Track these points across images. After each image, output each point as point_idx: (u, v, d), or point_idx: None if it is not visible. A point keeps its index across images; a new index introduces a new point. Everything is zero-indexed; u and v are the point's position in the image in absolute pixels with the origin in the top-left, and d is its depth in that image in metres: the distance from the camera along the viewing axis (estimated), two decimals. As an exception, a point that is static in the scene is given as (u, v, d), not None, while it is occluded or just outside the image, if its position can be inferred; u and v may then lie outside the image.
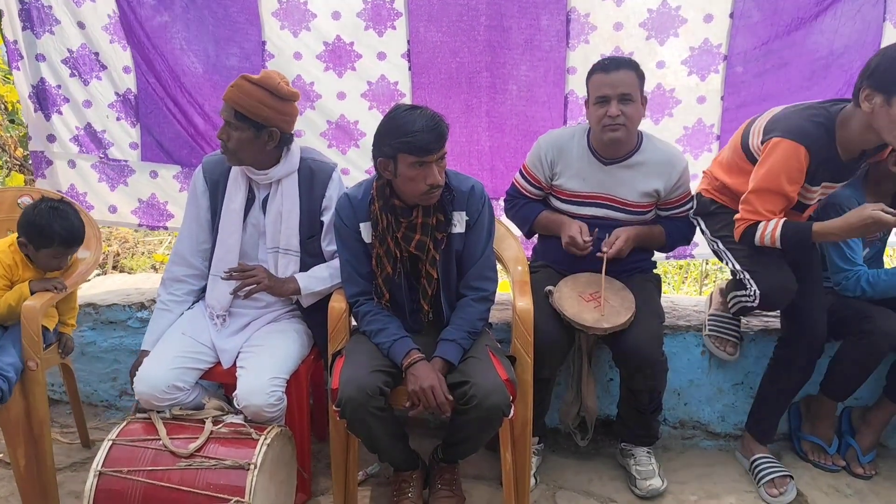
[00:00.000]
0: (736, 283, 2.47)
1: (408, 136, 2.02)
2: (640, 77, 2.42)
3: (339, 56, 2.97)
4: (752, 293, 2.37)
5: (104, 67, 3.14)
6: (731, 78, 2.88)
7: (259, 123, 2.21)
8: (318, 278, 2.36)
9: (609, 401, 2.78)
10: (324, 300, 2.38)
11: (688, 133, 2.99)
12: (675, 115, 2.95)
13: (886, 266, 2.72)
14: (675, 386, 2.76)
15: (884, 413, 2.59)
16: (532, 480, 2.49)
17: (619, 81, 2.35)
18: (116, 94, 3.16)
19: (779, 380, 2.55)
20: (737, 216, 2.38)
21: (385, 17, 2.91)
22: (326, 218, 2.38)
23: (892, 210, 2.14)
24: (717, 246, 2.55)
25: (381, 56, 2.96)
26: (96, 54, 3.12)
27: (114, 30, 3.08)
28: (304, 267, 2.39)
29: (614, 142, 2.42)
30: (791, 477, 2.50)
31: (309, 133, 3.08)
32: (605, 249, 2.46)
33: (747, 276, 2.39)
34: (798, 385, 2.55)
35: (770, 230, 2.28)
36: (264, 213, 2.35)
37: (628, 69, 2.38)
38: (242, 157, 2.28)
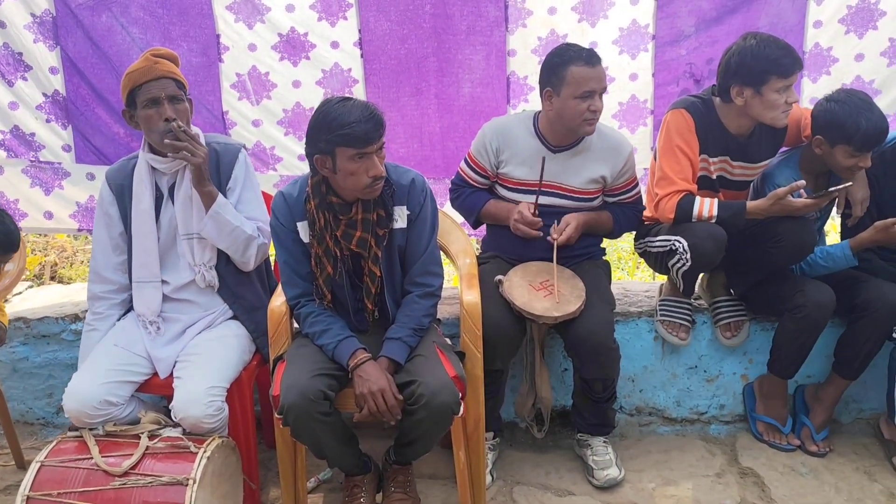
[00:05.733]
0: (669, 255, 2.47)
1: (345, 128, 1.93)
2: None
3: (293, 46, 3.07)
4: (683, 249, 2.38)
5: (29, 68, 3.03)
6: (661, 56, 3.03)
7: (186, 91, 2.23)
8: (234, 213, 2.23)
9: (564, 391, 2.74)
10: (261, 301, 2.29)
11: (623, 108, 3.11)
12: (610, 91, 3.04)
13: (828, 240, 2.76)
14: (629, 373, 2.74)
15: (835, 389, 2.60)
16: (489, 477, 2.45)
17: (602, 75, 2.35)
18: (45, 95, 3.06)
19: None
20: (658, 196, 2.44)
21: (336, 9, 3.04)
22: (232, 198, 2.29)
23: (802, 195, 2.33)
24: (644, 247, 2.62)
25: (335, 45, 3.07)
26: (20, 54, 3.00)
27: (38, 29, 2.99)
28: (220, 254, 2.30)
29: (589, 134, 2.42)
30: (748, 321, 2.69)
31: (266, 122, 3.13)
32: (554, 236, 2.42)
33: (673, 238, 2.41)
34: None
35: (707, 206, 2.39)
36: (173, 204, 2.27)
37: (601, 62, 2.37)
38: (189, 132, 2.20)
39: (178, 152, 2.13)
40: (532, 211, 2.42)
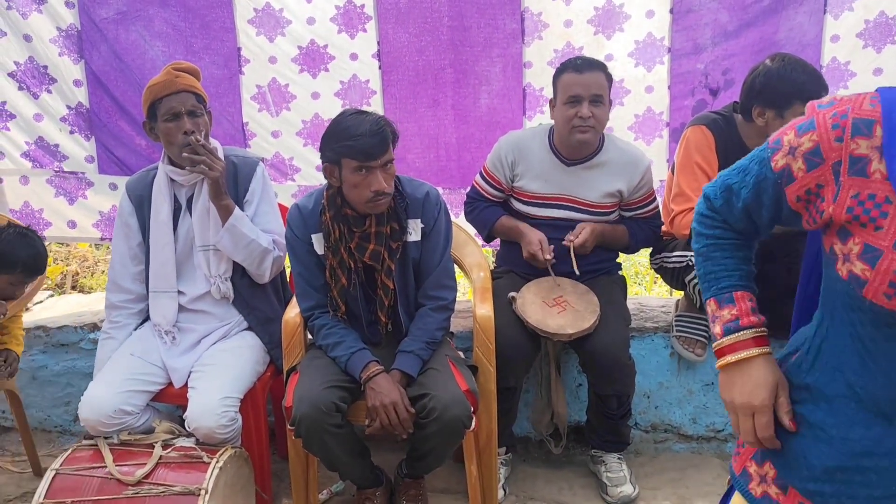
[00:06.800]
0: (685, 270, 2.45)
1: (351, 139, 1.95)
2: (609, 80, 2.40)
3: (313, 58, 3.13)
4: None
5: (54, 81, 3.10)
6: (677, 68, 3.04)
7: (206, 104, 2.26)
8: (250, 226, 2.25)
9: (579, 407, 2.72)
10: (275, 312, 2.31)
11: (639, 120, 3.13)
12: (626, 103, 3.11)
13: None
14: (644, 389, 2.71)
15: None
16: (501, 492, 2.43)
17: (591, 82, 2.32)
18: (68, 107, 3.13)
19: None
20: (674, 212, 2.44)
21: (356, 21, 3.09)
22: (249, 211, 2.31)
23: None
24: (660, 262, 2.62)
25: (353, 57, 3.11)
26: (45, 67, 3.08)
27: (63, 43, 3.06)
28: (236, 265, 2.32)
29: (582, 143, 2.39)
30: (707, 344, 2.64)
31: (285, 133, 3.17)
32: (571, 238, 2.41)
33: (690, 254, 2.40)
34: None
35: None
36: (191, 216, 2.29)
37: (599, 70, 2.36)
38: (208, 146, 2.23)
39: (196, 166, 2.15)
40: (545, 256, 2.40)
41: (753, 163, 1.14)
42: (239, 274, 2.33)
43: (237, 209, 2.24)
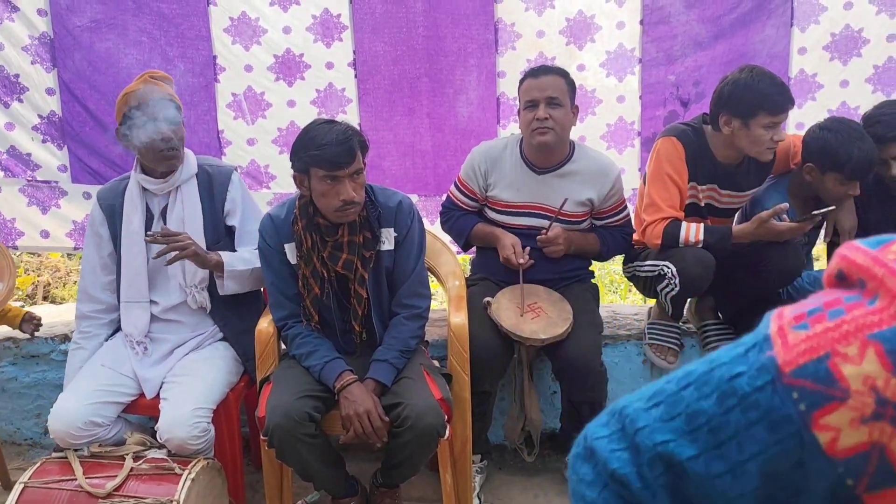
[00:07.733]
0: (657, 279, 2.48)
1: (317, 149, 1.97)
2: (570, 85, 2.43)
3: (289, 67, 3.15)
4: (671, 274, 2.39)
5: (25, 89, 3.07)
6: (647, 79, 3.10)
7: (181, 112, 2.26)
8: (241, 258, 2.27)
9: (554, 414, 2.74)
10: (251, 323, 2.30)
11: (610, 130, 3.18)
12: (598, 113, 3.17)
13: (817, 265, 2.77)
14: (617, 396, 2.63)
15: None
16: (476, 500, 2.44)
17: (546, 85, 2.37)
18: (40, 116, 3.11)
19: None
20: (645, 222, 2.46)
21: (332, 30, 3.11)
22: (235, 221, 2.32)
23: (786, 219, 2.33)
24: (633, 271, 2.65)
25: (329, 66, 3.13)
26: (16, 76, 3.04)
27: (36, 51, 3.04)
28: (211, 275, 2.31)
29: (543, 146, 2.41)
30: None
31: (261, 140, 3.18)
32: (544, 233, 2.45)
33: (661, 263, 2.43)
34: None
35: (694, 231, 2.41)
36: (165, 224, 2.29)
37: (557, 75, 2.41)
38: (182, 153, 2.25)
39: (170, 259, 2.13)
40: (519, 261, 2.43)
41: (739, 415, 0.54)
42: (216, 284, 2.32)
43: (226, 255, 2.24)
